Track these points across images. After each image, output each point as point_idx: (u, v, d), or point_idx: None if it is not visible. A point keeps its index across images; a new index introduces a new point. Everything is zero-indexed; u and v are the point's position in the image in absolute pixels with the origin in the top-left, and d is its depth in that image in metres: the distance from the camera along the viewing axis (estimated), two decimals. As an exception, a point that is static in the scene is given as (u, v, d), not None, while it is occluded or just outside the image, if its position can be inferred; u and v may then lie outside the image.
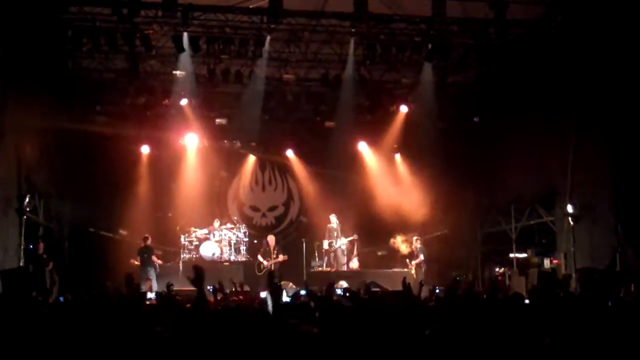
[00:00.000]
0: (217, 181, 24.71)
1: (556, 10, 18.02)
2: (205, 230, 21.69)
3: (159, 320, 6.53)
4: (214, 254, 21.25)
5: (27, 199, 16.67)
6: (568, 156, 17.88)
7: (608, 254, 16.49)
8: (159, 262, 19.86)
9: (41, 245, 17.20)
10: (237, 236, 21.98)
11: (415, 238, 21.09)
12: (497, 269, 21.38)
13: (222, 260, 21.21)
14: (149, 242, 19.95)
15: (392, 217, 22.67)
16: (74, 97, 20.53)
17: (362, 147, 24.46)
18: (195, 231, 21.64)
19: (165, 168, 23.25)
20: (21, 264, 15.99)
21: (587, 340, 6.07)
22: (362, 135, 24.14)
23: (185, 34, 18.51)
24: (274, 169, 25.89)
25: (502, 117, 20.56)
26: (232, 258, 21.49)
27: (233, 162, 25.08)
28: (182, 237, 21.43)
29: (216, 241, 21.50)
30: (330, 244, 21.52)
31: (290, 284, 19.60)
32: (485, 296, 10.49)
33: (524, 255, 20.66)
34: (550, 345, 5.84)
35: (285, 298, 12.39)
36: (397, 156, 24.44)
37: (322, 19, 18.90)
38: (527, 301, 9.51)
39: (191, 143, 23.49)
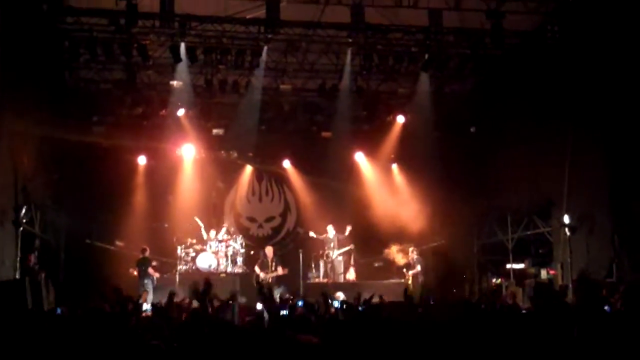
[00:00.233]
0: (213, 192, 24.66)
1: (552, 20, 18.06)
2: (204, 235, 21.56)
3: (154, 333, 6.50)
4: (210, 266, 21.16)
5: (23, 210, 16.61)
6: (564, 166, 17.88)
7: (605, 265, 16.48)
8: (157, 274, 19.76)
9: (31, 257, 17.11)
10: (234, 247, 21.91)
11: (411, 249, 21.05)
12: (494, 280, 21.34)
13: (219, 271, 21.12)
14: (146, 253, 19.88)
15: (389, 227, 22.65)
16: (71, 107, 20.50)
17: (359, 157, 24.47)
18: (192, 242, 21.55)
19: (162, 179, 23.21)
20: (17, 276, 15.90)
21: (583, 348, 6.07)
22: (359, 145, 24.15)
23: (182, 45, 18.52)
24: (270, 179, 25.87)
25: (499, 127, 20.59)
26: (229, 269, 21.41)
27: (230, 173, 25.06)
28: (179, 248, 21.35)
29: (213, 252, 21.43)
30: (326, 255, 21.46)
31: (287, 295, 19.57)
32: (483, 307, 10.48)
33: (520, 265, 20.64)
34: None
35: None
36: (394, 166, 24.47)
37: (319, 29, 18.93)
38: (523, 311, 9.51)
39: (188, 153, 23.47)
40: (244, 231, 24.49)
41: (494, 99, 20.57)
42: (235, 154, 24.30)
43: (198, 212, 22.72)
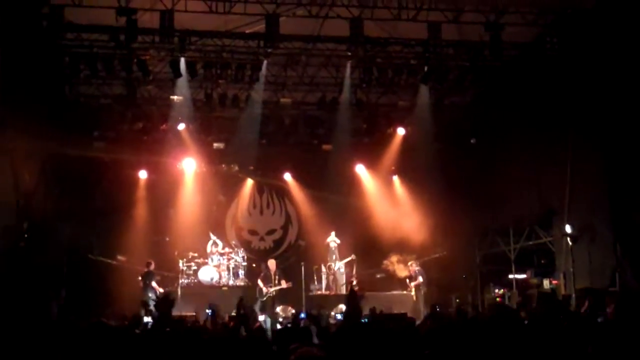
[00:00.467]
0: (214, 205, 24.70)
1: (551, 32, 18.12)
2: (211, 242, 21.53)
3: (157, 348, 6.51)
4: (212, 279, 21.17)
5: (25, 225, 16.61)
6: (565, 177, 17.91)
7: (607, 274, 16.47)
8: (160, 289, 19.74)
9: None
10: (236, 260, 21.91)
11: (410, 262, 21.03)
12: (496, 290, 21.31)
13: (221, 285, 21.11)
14: (151, 267, 19.91)
15: (390, 239, 22.69)
16: (72, 122, 20.50)
17: (360, 169, 24.53)
18: (194, 256, 21.55)
19: (163, 193, 23.25)
20: (19, 291, 15.86)
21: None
22: (360, 157, 24.21)
23: (182, 59, 18.57)
24: (271, 192, 25.92)
25: (499, 138, 20.62)
26: (231, 282, 21.41)
27: (231, 186, 25.11)
28: (181, 262, 21.36)
29: (214, 266, 21.43)
30: (329, 267, 21.45)
31: (289, 307, 19.58)
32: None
33: (523, 276, 20.62)
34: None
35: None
36: (395, 178, 24.51)
37: (318, 43, 19.00)
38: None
39: (189, 167, 23.52)
40: (245, 244, 24.53)
41: (493, 111, 20.60)
42: (236, 168, 24.36)
43: (199, 226, 22.75)
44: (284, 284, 20.12)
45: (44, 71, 17.75)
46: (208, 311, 16.76)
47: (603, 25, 16.36)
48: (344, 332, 7.02)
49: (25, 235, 16.78)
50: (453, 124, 22.58)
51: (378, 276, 23.27)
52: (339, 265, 21.43)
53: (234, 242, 23.38)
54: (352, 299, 11.38)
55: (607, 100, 16.33)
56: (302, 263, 21.75)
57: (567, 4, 17.41)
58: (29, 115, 16.32)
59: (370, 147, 23.92)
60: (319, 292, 21.42)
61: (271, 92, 21.66)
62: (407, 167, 23.51)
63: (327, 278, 21.48)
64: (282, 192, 25.81)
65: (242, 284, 21.52)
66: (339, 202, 23.88)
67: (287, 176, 25.14)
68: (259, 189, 25.80)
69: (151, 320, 15.70)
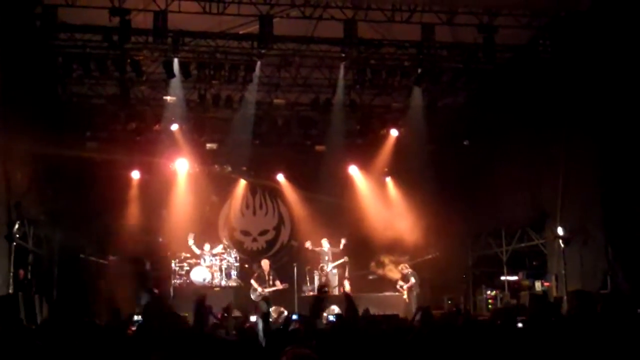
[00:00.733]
0: (207, 206, 24.69)
1: (544, 34, 18.16)
2: (198, 251, 21.46)
3: (150, 347, 6.49)
4: (204, 279, 21.13)
5: (16, 226, 16.57)
6: (558, 179, 17.95)
7: (599, 276, 16.51)
8: (155, 290, 19.72)
9: (21, 272, 17.08)
10: (228, 261, 21.89)
11: (401, 266, 21.04)
12: (488, 292, 21.35)
13: (213, 285, 21.08)
14: (145, 267, 19.88)
15: (383, 240, 22.70)
16: (65, 123, 20.48)
17: (353, 170, 24.55)
18: (187, 257, 21.51)
19: (156, 193, 23.21)
20: (10, 291, 15.84)
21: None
22: (353, 159, 24.24)
23: (175, 60, 18.54)
24: (264, 193, 25.94)
25: (492, 141, 20.66)
26: (223, 283, 21.37)
27: (224, 187, 25.10)
28: (173, 262, 21.32)
29: (207, 266, 21.38)
30: (321, 268, 21.43)
31: (281, 308, 19.54)
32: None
33: (515, 278, 20.66)
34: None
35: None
36: (388, 179, 24.54)
37: (312, 44, 19.02)
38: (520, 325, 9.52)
39: (182, 168, 23.49)
40: (238, 245, 24.54)
41: (487, 113, 20.63)
42: (229, 168, 24.35)
43: (192, 226, 22.70)
44: (279, 285, 20.13)
45: (37, 71, 17.69)
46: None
47: (597, 28, 16.41)
48: (338, 333, 7.03)
49: (17, 236, 16.73)
50: (446, 126, 22.60)
51: (370, 277, 23.29)
52: (332, 267, 21.41)
53: (226, 243, 23.35)
54: (349, 302, 11.36)
55: (601, 102, 16.37)
56: (295, 264, 21.72)
57: (561, 7, 17.44)
58: (22, 115, 16.27)
59: (364, 149, 23.96)
60: (311, 293, 21.39)
61: (264, 93, 21.66)
62: (401, 169, 23.52)
63: (320, 279, 21.44)
64: (275, 193, 25.82)
65: (234, 284, 21.49)
66: (332, 203, 23.89)
67: (280, 177, 25.15)
68: (252, 189, 25.81)
69: (142, 320, 15.64)
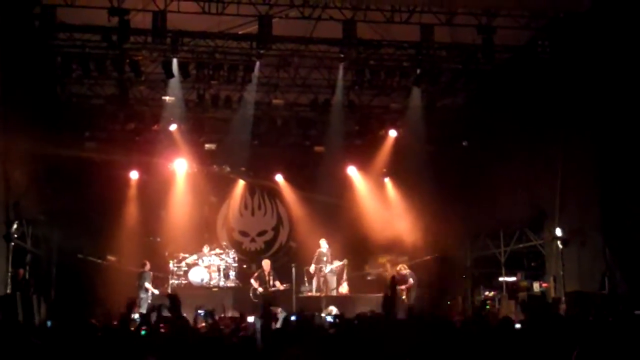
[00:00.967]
0: (206, 206, 24.70)
1: (543, 35, 18.17)
2: (195, 257, 21.55)
3: (147, 348, 6.49)
4: (202, 280, 21.10)
5: (15, 225, 16.57)
6: (556, 180, 17.94)
7: (597, 277, 16.51)
8: (155, 291, 19.72)
9: (21, 271, 17.08)
10: (226, 262, 21.86)
11: (399, 267, 21.03)
12: (486, 293, 21.34)
13: (211, 286, 21.06)
14: (146, 267, 19.90)
15: (382, 241, 22.71)
16: (63, 123, 20.48)
17: (352, 171, 24.54)
18: (185, 257, 21.50)
19: (155, 193, 23.20)
20: (8, 291, 15.84)
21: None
22: (352, 159, 24.23)
23: (174, 60, 18.56)
24: (263, 193, 25.93)
25: (491, 141, 20.64)
26: (222, 284, 21.33)
27: (222, 187, 25.11)
28: (171, 262, 21.30)
29: (205, 267, 21.35)
30: (319, 269, 21.40)
31: (280, 309, 19.52)
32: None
33: (513, 278, 20.65)
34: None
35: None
36: (387, 180, 24.53)
37: (311, 44, 19.03)
38: (517, 325, 9.51)
39: (180, 168, 23.49)
40: (236, 245, 24.49)
41: (486, 113, 20.64)
42: (228, 169, 24.34)
43: (190, 227, 22.73)
44: (279, 286, 20.13)
45: (36, 71, 17.70)
46: (200, 311, 16.66)
47: (595, 29, 16.41)
48: (329, 334, 7.02)
49: (16, 236, 16.73)
50: (445, 127, 22.61)
51: (369, 278, 23.30)
52: (330, 268, 21.40)
53: (224, 243, 23.34)
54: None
55: (599, 103, 16.38)
56: (293, 264, 21.68)
57: (560, 8, 17.44)
58: (21, 115, 16.28)
59: (362, 149, 23.96)
60: (309, 294, 21.38)
61: (263, 94, 21.67)
62: (399, 169, 23.51)
63: (318, 280, 21.43)
64: (274, 194, 25.82)
65: (232, 285, 21.47)
66: (331, 204, 23.88)
67: (279, 177, 25.15)
68: (251, 190, 25.81)
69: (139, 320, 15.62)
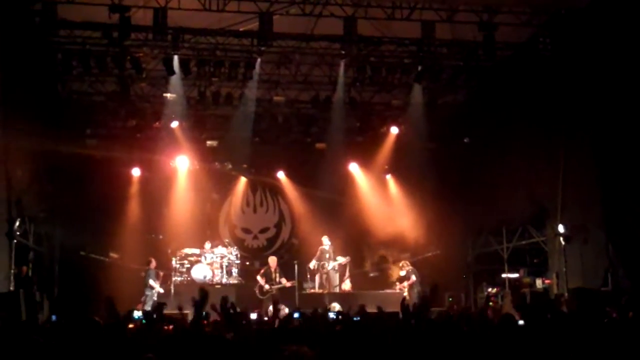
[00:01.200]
0: (208, 203, 24.71)
1: (544, 32, 18.13)
2: (197, 250, 21.56)
3: (146, 345, 6.48)
4: (205, 277, 21.11)
5: (17, 223, 16.58)
6: (558, 176, 17.94)
7: (600, 274, 16.50)
8: (159, 287, 19.75)
9: (24, 269, 17.09)
10: (229, 258, 21.87)
11: (401, 264, 21.05)
12: (489, 290, 21.34)
13: (214, 283, 21.07)
14: (151, 265, 19.96)
15: (383, 238, 22.71)
16: (64, 120, 20.47)
17: (353, 168, 24.53)
18: (187, 254, 21.50)
19: (156, 190, 23.21)
20: (11, 288, 15.86)
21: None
22: (353, 156, 24.22)
23: (175, 57, 18.55)
24: (265, 190, 25.94)
25: (492, 138, 20.62)
26: (224, 281, 21.36)
27: (224, 184, 25.11)
28: (174, 259, 21.31)
29: (208, 264, 21.37)
30: (322, 266, 21.41)
31: (282, 306, 19.52)
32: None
33: (516, 275, 20.65)
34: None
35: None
36: (389, 177, 24.52)
37: (312, 41, 18.99)
38: (521, 322, 9.49)
39: (182, 165, 23.49)
40: (238, 242, 24.52)
41: (487, 110, 20.61)
42: (230, 166, 24.34)
43: (193, 224, 22.74)
44: (286, 283, 20.14)
45: (37, 68, 17.67)
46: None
47: (596, 25, 16.38)
48: (334, 331, 7.01)
49: (18, 233, 16.74)
50: (446, 123, 22.59)
51: (372, 275, 23.31)
52: (333, 265, 21.40)
53: (227, 240, 23.35)
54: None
55: (601, 100, 16.36)
56: (296, 261, 21.68)
57: (561, 4, 17.43)
58: (22, 113, 16.26)
59: (364, 146, 23.94)
60: (312, 291, 21.39)
61: (264, 90, 21.65)
62: (401, 166, 23.50)
63: (321, 277, 21.44)
64: (276, 190, 25.82)
65: (235, 282, 21.48)
66: (333, 201, 23.89)
67: (281, 174, 25.15)
68: (253, 187, 25.81)
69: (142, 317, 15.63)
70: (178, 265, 21.28)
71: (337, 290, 21.23)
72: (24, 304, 14.77)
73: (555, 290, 17.93)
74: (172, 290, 20.10)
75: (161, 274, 20.43)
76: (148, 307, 18.62)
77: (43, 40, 17.92)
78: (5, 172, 16.07)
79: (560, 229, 17.82)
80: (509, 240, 20.81)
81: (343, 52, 19.26)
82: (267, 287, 19.92)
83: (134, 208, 22.75)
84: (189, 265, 21.33)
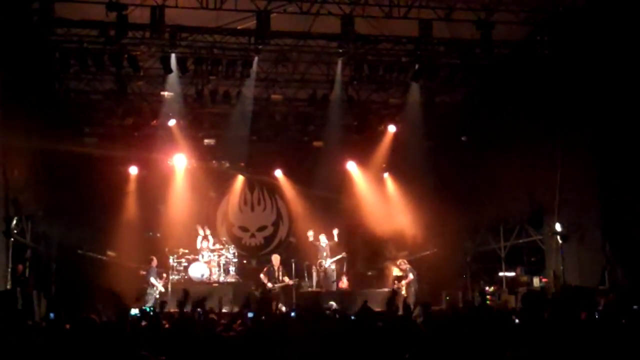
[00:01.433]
0: (205, 202, 24.70)
1: (542, 30, 18.15)
2: (200, 235, 21.53)
3: (143, 343, 6.49)
4: (203, 275, 21.12)
5: (14, 221, 16.56)
6: (555, 175, 17.95)
7: (597, 272, 16.53)
8: (162, 288, 19.78)
9: (20, 267, 17.08)
10: (226, 257, 21.88)
11: (399, 262, 21.07)
12: (486, 288, 21.35)
13: (212, 281, 21.08)
14: (152, 263, 20.03)
15: (381, 236, 22.72)
16: (62, 118, 20.44)
17: (351, 166, 24.53)
18: (185, 252, 21.51)
19: (154, 189, 23.22)
20: (8, 286, 15.84)
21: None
22: (351, 154, 24.23)
23: (172, 55, 18.54)
24: (262, 189, 25.95)
25: (490, 136, 20.63)
26: (222, 279, 21.36)
27: (222, 183, 25.12)
28: (171, 258, 21.31)
29: (205, 262, 21.38)
30: (319, 264, 21.42)
31: (280, 304, 19.55)
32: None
33: (513, 273, 20.67)
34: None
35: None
36: (386, 175, 24.52)
37: (309, 39, 19.00)
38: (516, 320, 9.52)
39: (179, 163, 23.48)
40: (236, 241, 24.52)
41: (484, 109, 20.62)
42: (227, 164, 24.36)
43: (190, 222, 22.73)
44: (288, 281, 20.17)
45: (34, 67, 17.65)
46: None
47: (594, 23, 16.40)
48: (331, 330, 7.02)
49: (15, 231, 16.73)
50: (444, 122, 22.61)
51: (369, 273, 23.31)
52: (330, 263, 21.40)
53: (224, 239, 23.36)
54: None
55: (598, 99, 16.37)
56: (293, 260, 21.70)
57: (558, 3, 17.44)
58: (19, 111, 16.25)
59: (361, 144, 23.94)
60: (309, 289, 21.41)
61: (262, 89, 21.66)
62: (398, 165, 23.50)
63: (318, 275, 21.45)
64: (273, 189, 25.83)
65: (232, 280, 21.48)
66: (330, 199, 23.91)
67: (278, 173, 25.17)
68: (250, 185, 25.82)
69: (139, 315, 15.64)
70: (175, 264, 21.29)
71: (334, 288, 21.23)
72: (21, 302, 14.76)
73: (552, 288, 17.94)
74: (170, 289, 20.11)
75: (164, 275, 20.50)
76: (149, 305, 18.65)
77: (40, 39, 17.89)
78: (2, 170, 16.05)
79: (558, 227, 17.85)
80: (507, 238, 20.83)
81: (340, 50, 19.27)
82: (270, 285, 19.90)
83: (131, 206, 22.74)
84: (186, 264, 21.34)
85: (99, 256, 21.11)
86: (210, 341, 5.92)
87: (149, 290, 19.52)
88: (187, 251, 21.51)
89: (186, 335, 6.66)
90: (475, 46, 18.72)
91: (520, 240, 20.37)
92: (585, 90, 16.66)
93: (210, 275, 21.27)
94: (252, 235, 25.67)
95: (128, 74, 19.80)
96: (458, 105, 22.61)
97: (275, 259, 20.75)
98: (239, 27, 18.36)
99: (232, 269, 21.85)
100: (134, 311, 14.26)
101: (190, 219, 22.99)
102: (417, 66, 19.63)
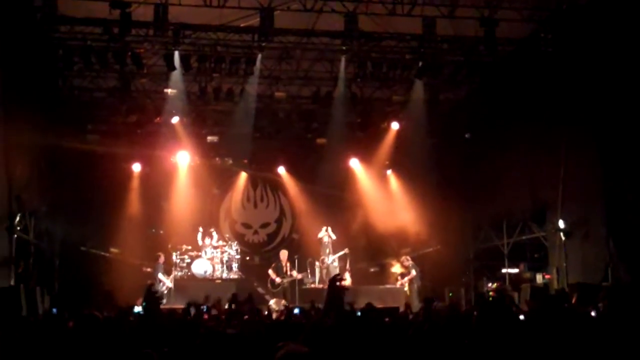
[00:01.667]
0: (208, 199, 24.73)
1: (546, 28, 18.11)
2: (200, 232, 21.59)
3: (146, 340, 6.50)
4: (206, 272, 21.16)
5: (17, 218, 16.59)
6: (559, 171, 17.92)
7: (600, 269, 16.50)
8: (170, 284, 19.82)
9: (21, 263, 17.11)
10: (229, 254, 21.91)
11: (402, 258, 21.09)
12: (489, 285, 21.36)
13: (214, 278, 21.12)
14: (159, 260, 20.10)
15: (384, 233, 22.73)
16: (65, 115, 20.45)
17: (354, 163, 24.55)
18: (188, 248, 21.54)
19: (157, 186, 23.25)
20: (11, 283, 15.88)
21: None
22: (354, 152, 24.24)
23: (176, 53, 18.54)
24: (265, 186, 25.97)
25: (493, 134, 20.63)
26: (225, 276, 21.40)
27: (225, 180, 25.15)
28: (174, 254, 21.34)
29: (208, 259, 21.41)
30: (322, 260, 21.45)
31: (283, 301, 19.57)
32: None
33: (516, 270, 20.67)
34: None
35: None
36: (389, 172, 24.54)
37: (313, 37, 18.98)
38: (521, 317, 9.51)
39: (183, 161, 23.52)
40: (239, 237, 24.56)
41: (488, 106, 20.60)
42: (230, 161, 24.39)
43: (193, 219, 22.76)
44: (296, 275, 20.29)
45: (38, 64, 17.66)
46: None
47: (598, 21, 16.35)
48: (330, 327, 7.01)
49: (19, 228, 16.76)
50: (447, 119, 22.61)
51: (372, 270, 23.33)
52: (333, 259, 21.43)
53: (227, 236, 23.39)
54: (332, 290, 11.29)
55: (602, 96, 16.33)
56: (296, 257, 21.75)
57: (562, 0, 17.40)
58: (23, 108, 16.26)
59: (365, 142, 23.95)
60: (312, 286, 21.42)
61: (265, 86, 21.66)
62: (402, 162, 23.53)
63: (321, 272, 21.47)
64: (276, 186, 25.85)
65: (235, 277, 21.53)
66: (333, 196, 23.92)
67: (281, 170, 25.18)
68: (253, 182, 25.85)
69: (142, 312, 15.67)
70: (178, 260, 21.33)
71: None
72: (25, 299, 14.79)
73: (555, 285, 17.94)
74: (173, 286, 20.15)
75: (172, 272, 20.61)
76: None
77: (44, 36, 17.91)
78: (6, 167, 16.06)
79: (561, 224, 17.83)
80: (510, 235, 20.82)
81: (344, 47, 19.25)
82: (278, 280, 20.02)
83: (134, 203, 22.76)
84: (189, 261, 21.37)
85: (102, 253, 21.17)
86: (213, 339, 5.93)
87: (156, 286, 19.54)
88: (190, 248, 21.55)
89: (191, 331, 6.68)
90: (478, 43, 18.70)
91: (524, 237, 20.35)
92: (589, 87, 16.62)
93: (213, 272, 21.32)
94: (255, 232, 25.70)
95: (131, 72, 19.83)
96: (461, 102, 22.59)
97: (283, 254, 20.91)
98: (242, 25, 18.37)
99: (235, 265, 21.89)
100: (138, 309, 14.32)
101: (193, 216, 23.02)
102: (420, 63, 19.62)
